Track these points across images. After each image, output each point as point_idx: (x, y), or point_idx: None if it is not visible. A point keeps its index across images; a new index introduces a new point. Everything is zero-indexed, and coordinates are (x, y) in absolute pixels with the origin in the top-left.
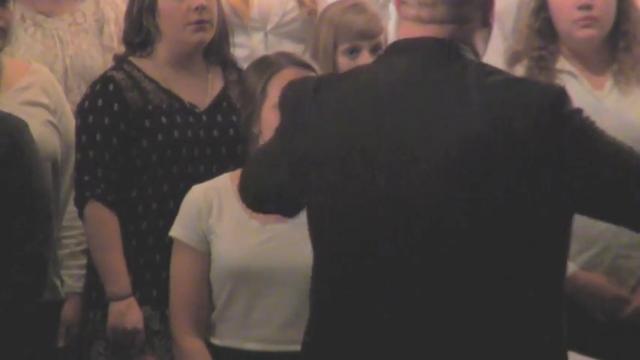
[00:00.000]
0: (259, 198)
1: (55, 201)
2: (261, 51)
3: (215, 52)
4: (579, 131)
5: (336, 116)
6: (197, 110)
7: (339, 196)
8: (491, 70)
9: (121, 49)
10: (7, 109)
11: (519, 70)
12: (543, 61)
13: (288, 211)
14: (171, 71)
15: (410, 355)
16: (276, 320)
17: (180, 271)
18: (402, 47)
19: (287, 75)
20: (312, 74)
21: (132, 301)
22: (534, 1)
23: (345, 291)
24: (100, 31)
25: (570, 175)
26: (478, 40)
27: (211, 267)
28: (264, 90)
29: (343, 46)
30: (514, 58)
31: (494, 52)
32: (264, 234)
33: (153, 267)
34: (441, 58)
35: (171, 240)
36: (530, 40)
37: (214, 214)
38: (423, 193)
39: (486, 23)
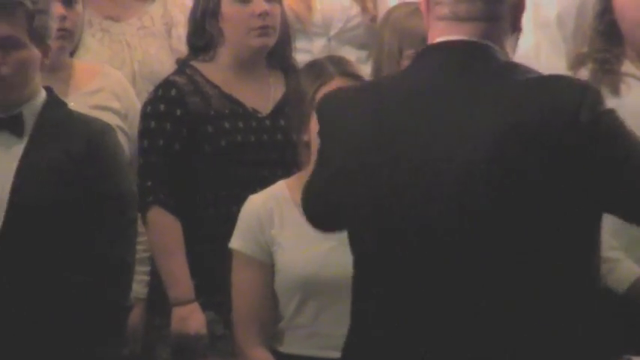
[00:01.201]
0: (318, 220)
1: None
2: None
3: (277, 57)
4: (611, 130)
5: (371, 124)
6: (259, 115)
7: (376, 199)
8: (526, 69)
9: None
10: None
11: (583, 73)
12: (608, 64)
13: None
14: (233, 76)
15: (448, 350)
16: (345, 328)
17: (243, 282)
18: (435, 50)
19: (335, 86)
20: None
21: (195, 307)
22: (599, 2)
23: (388, 294)
24: (169, 34)
25: (597, 173)
26: (507, 44)
27: (276, 278)
28: (312, 100)
29: (408, 52)
30: (578, 61)
31: (557, 54)
32: (329, 242)
33: (216, 272)
34: (475, 59)
35: None
36: (595, 42)
37: (276, 223)
38: (459, 190)
39: (516, 27)
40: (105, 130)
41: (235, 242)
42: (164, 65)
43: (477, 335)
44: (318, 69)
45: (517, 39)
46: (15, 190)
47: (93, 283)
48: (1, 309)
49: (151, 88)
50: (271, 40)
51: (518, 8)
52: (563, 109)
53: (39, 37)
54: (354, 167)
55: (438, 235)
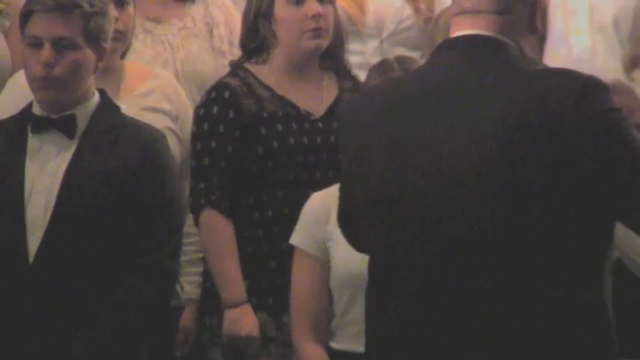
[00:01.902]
0: (348, 229)
1: None
2: (375, 58)
3: (330, 58)
4: (612, 128)
5: (381, 125)
6: (312, 117)
7: (386, 200)
8: (535, 62)
9: (232, 51)
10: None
11: (638, 75)
12: None
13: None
14: (286, 78)
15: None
16: None
17: (300, 278)
18: (448, 45)
19: None
20: None
21: (246, 308)
22: None
23: (398, 288)
24: (210, 34)
25: (596, 172)
26: (525, 43)
27: (331, 274)
28: None
29: None
30: (633, 63)
31: (612, 57)
32: None
33: (269, 274)
34: (485, 52)
35: (286, 247)
36: None
37: (332, 220)
38: (467, 191)
39: (533, 27)
40: (157, 137)
41: (294, 238)
42: (206, 64)
43: (484, 338)
44: (384, 67)
45: (541, 42)
46: (63, 191)
47: (134, 288)
48: (42, 308)
49: (194, 88)
50: (324, 42)
51: (534, 7)
52: (564, 102)
53: (94, 40)
54: (365, 171)
55: (447, 235)
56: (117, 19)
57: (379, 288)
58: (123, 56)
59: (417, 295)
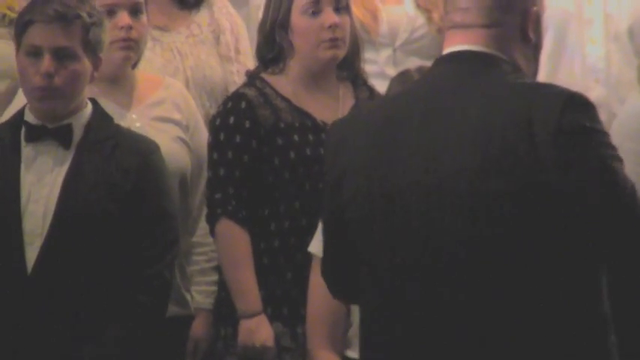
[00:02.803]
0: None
1: (185, 217)
2: (389, 67)
3: (346, 68)
4: (589, 149)
5: (372, 142)
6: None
7: (373, 206)
8: (524, 76)
9: (238, 58)
10: (137, 125)
11: None
12: None
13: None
14: (303, 88)
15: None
16: None
17: (317, 285)
18: (440, 61)
19: None
20: None
21: (262, 319)
22: None
23: (389, 299)
24: (217, 41)
25: (573, 186)
26: (517, 53)
27: None
28: None
29: None
30: None
31: (628, 66)
32: None
33: (284, 284)
34: (474, 68)
35: (302, 257)
36: None
37: None
38: (452, 189)
39: (525, 37)
40: (153, 148)
41: (313, 246)
42: (215, 71)
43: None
44: (405, 78)
45: (536, 51)
46: (62, 201)
47: (130, 295)
48: (41, 319)
49: (204, 94)
50: (341, 52)
51: (527, 17)
52: (546, 117)
53: (92, 50)
54: (348, 191)
55: (432, 253)
56: (131, 28)
57: (373, 305)
58: (135, 65)
59: (411, 310)
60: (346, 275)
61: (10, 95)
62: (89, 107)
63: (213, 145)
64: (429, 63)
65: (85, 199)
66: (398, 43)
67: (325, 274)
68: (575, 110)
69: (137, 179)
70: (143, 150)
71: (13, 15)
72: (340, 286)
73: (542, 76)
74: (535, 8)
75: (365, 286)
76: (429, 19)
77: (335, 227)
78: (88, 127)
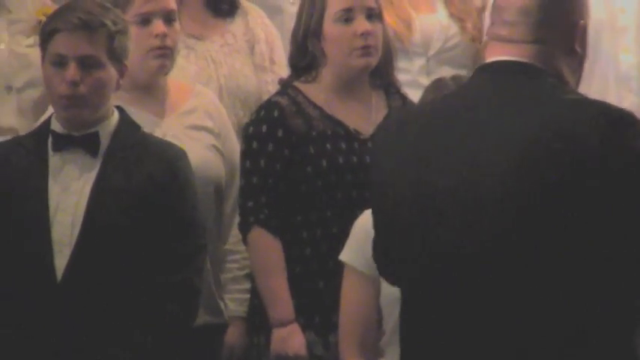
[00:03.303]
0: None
1: (218, 225)
2: (422, 76)
3: (379, 76)
4: (634, 168)
5: (414, 146)
6: (362, 136)
7: (418, 218)
8: (570, 91)
9: (273, 68)
10: (172, 133)
11: None
12: None
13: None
14: (335, 97)
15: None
16: None
17: (350, 294)
18: (482, 69)
19: None
20: None
21: (295, 327)
22: None
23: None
24: (252, 50)
25: (612, 203)
26: (563, 66)
27: (381, 292)
28: None
29: None
30: None
31: None
32: None
33: (317, 293)
34: (517, 78)
35: (334, 266)
36: None
37: None
38: (491, 198)
39: (572, 50)
40: (180, 155)
41: (344, 254)
42: (249, 80)
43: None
44: (438, 86)
45: (581, 63)
46: (90, 209)
47: (162, 305)
48: (71, 327)
49: (237, 103)
50: (374, 60)
51: (574, 32)
52: (590, 133)
53: (117, 58)
54: (391, 195)
55: (473, 258)
56: (166, 35)
57: (414, 309)
58: (166, 73)
59: (452, 314)
60: (394, 259)
61: (44, 103)
62: (116, 115)
63: (246, 153)
64: (462, 72)
65: (113, 207)
66: (431, 52)
67: (376, 257)
68: (620, 129)
69: (164, 186)
70: (169, 157)
71: (44, 19)
72: (390, 269)
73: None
74: (582, 22)
75: (404, 279)
76: (462, 29)
77: (382, 221)
78: (115, 134)
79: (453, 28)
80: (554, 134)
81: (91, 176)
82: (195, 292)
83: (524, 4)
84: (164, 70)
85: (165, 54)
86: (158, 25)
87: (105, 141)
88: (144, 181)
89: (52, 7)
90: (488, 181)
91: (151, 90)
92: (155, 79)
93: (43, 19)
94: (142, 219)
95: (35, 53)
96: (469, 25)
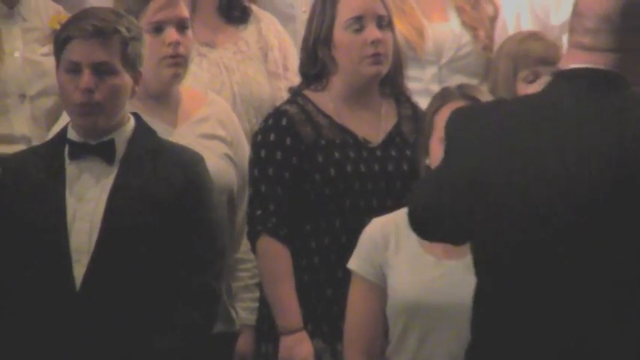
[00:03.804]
0: (424, 223)
1: (230, 233)
2: (434, 85)
3: (389, 85)
4: None
5: (494, 141)
6: (370, 145)
7: (495, 214)
8: None
9: (287, 75)
10: (184, 142)
11: None
12: None
13: (453, 238)
14: (345, 105)
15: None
16: (448, 356)
17: (356, 302)
18: (563, 77)
19: (452, 108)
20: None
21: (302, 335)
22: None
23: (512, 308)
24: (265, 58)
25: None
26: None
27: (387, 301)
28: (431, 122)
29: (523, 74)
30: None
31: None
32: (439, 269)
33: (325, 301)
34: (599, 88)
35: (343, 274)
36: None
37: (391, 247)
38: (567, 211)
39: None
40: (197, 159)
41: (352, 262)
42: (262, 87)
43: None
44: (443, 92)
45: None
46: (107, 217)
47: (181, 310)
48: (90, 335)
49: (251, 109)
50: (384, 68)
51: None
52: None
53: (132, 64)
54: (479, 183)
55: (549, 250)
56: (179, 43)
57: (490, 295)
58: (179, 81)
59: (528, 303)
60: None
61: (58, 112)
62: (132, 122)
63: (255, 161)
64: (474, 80)
65: (130, 214)
66: (443, 60)
67: (419, 219)
68: None
69: (180, 192)
70: (186, 162)
71: (57, 27)
72: (434, 229)
73: None
74: None
75: (484, 264)
76: (475, 37)
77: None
78: (131, 141)
79: (466, 37)
80: (637, 146)
81: (108, 183)
82: (214, 297)
83: (605, 11)
84: (177, 78)
85: (178, 62)
86: (171, 34)
87: (121, 148)
88: (160, 187)
89: (66, 16)
90: (570, 190)
91: (164, 98)
92: (168, 88)
93: (57, 27)
94: (159, 225)
95: (49, 62)
96: (481, 34)
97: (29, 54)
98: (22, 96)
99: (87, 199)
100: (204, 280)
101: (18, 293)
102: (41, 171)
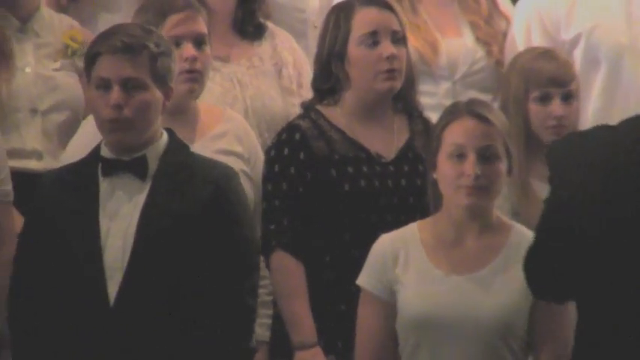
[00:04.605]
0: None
1: None
2: (448, 100)
3: (402, 100)
4: None
5: (602, 175)
6: (384, 160)
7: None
8: None
9: (301, 92)
10: None
11: None
12: None
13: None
14: (357, 120)
15: None
16: None
17: (366, 318)
18: None
19: (460, 125)
20: (487, 125)
21: (317, 350)
22: None
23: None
24: (279, 74)
25: None
26: None
27: (397, 317)
28: (439, 137)
29: (534, 94)
30: None
31: None
32: (448, 284)
33: (338, 316)
34: None
35: (356, 289)
36: None
37: (400, 263)
38: None
39: None
40: (230, 174)
41: (361, 279)
42: (275, 101)
43: None
44: (452, 108)
45: None
46: (140, 233)
47: (215, 326)
48: (125, 351)
49: (263, 123)
50: (398, 84)
51: None
52: None
53: (161, 79)
54: (584, 216)
55: None
56: (196, 59)
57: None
58: (196, 97)
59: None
60: (557, 277)
61: (69, 127)
62: (165, 137)
63: (268, 176)
64: (488, 96)
65: (162, 230)
66: (457, 75)
67: (533, 274)
68: None
69: (212, 207)
70: (218, 177)
71: (76, 46)
72: (548, 287)
73: (596, 111)
74: None
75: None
76: (489, 52)
77: (557, 237)
78: (164, 157)
79: (479, 52)
80: None
81: (140, 200)
82: (248, 311)
83: None
84: (194, 94)
85: (195, 78)
86: (188, 49)
87: (153, 164)
88: (192, 202)
89: (80, 31)
90: None
91: (181, 114)
92: (185, 103)
93: (70, 42)
94: (191, 241)
95: (61, 77)
96: (495, 49)
97: (41, 69)
98: (34, 111)
99: (120, 216)
100: (238, 296)
101: (54, 309)
102: (75, 188)
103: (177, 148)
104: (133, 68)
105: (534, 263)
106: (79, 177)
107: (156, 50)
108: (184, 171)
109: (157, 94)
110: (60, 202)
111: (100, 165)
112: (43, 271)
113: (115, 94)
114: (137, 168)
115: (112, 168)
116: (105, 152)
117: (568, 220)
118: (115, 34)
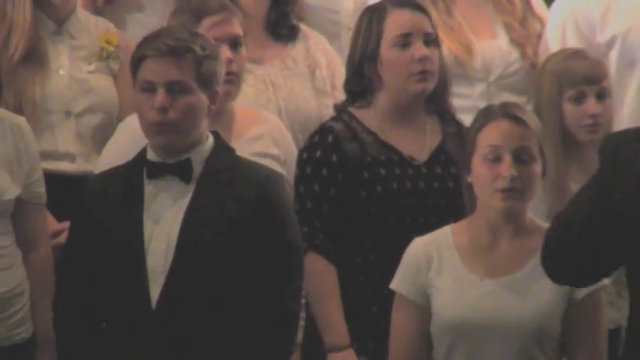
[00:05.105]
0: (577, 273)
1: None
2: (482, 102)
3: (434, 102)
4: None
5: None
6: (416, 162)
7: None
8: None
9: (334, 93)
10: None
11: None
12: None
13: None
14: (390, 122)
15: None
16: None
17: (400, 323)
18: None
19: (496, 126)
20: (522, 127)
21: (349, 352)
22: None
23: None
24: (312, 75)
25: None
26: None
27: (432, 321)
28: (474, 140)
29: (568, 93)
30: None
31: None
32: (483, 288)
33: (370, 318)
34: None
35: (388, 291)
36: None
37: (434, 267)
38: None
39: None
40: (274, 177)
41: (395, 283)
42: (309, 103)
43: None
44: (484, 111)
45: None
46: (182, 237)
47: (259, 330)
48: (167, 354)
49: (297, 125)
50: (430, 86)
51: None
52: None
53: (207, 83)
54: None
55: None
56: (232, 61)
57: None
58: (233, 99)
59: None
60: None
61: (103, 129)
62: (210, 140)
63: (300, 178)
64: (522, 98)
65: (205, 233)
66: (492, 77)
67: (560, 258)
68: None
69: (255, 210)
70: (262, 181)
71: (111, 49)
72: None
73: (631, 113)
74: None
75: None
76: (523, 54)
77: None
78: (208, 160)
79: (514, 54)
80: None
81: (184, 203)
82: (290, 315)
83: None
84: (230, 96)
85: (231, 80)
86: (223, 51)
87: (198, 167)
88: (235, 205)
89: (115, 34)
90: None
91: (217, 116)
92: (221, 105)
93: (106, 45)
94: (234, 244)
95: (96, 79)
96: (529, 51)
97: (75, 72)
98: (68, 113)
99: (164, 219)
100: (281, 300)
101: (98, 311)
102: (120, 191)
103: (222, 151)
104: (178, 71)
105: (565, 247)
106: (124, 180)
107: (201, 53)
108: (227, 174)
109: (202, 97)
110: (105, 205)
111: (145, 168)
112: (88, 273)
113: (160, 96)
114: (181, 171)
115: (157, 171)
116: (150, 155)
117: (621, 206)
118: (161, 37)
